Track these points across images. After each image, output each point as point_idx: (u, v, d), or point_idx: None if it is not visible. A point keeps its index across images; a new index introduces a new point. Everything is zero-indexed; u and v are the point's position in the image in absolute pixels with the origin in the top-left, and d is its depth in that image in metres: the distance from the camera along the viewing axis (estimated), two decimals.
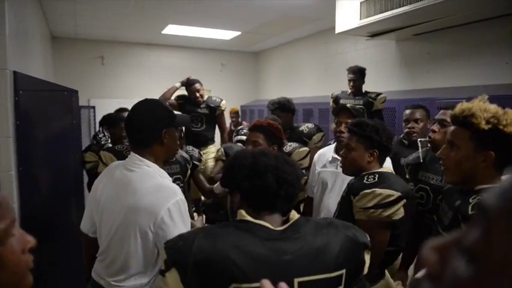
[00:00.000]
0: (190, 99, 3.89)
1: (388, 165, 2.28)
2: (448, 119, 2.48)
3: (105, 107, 6.42)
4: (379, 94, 3.57)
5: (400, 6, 3.29)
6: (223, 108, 3.95)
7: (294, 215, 1.08)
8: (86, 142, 6.24)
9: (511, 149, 1.24)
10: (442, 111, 2.61)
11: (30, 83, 2.47)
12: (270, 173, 1.06)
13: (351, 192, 1.65)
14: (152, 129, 1.46)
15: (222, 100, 3.97)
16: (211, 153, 3.79)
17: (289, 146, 2.65)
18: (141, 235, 1.35)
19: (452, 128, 1.36)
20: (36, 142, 2.50)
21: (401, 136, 2.76)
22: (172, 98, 3.95)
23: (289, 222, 1.06)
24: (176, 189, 1.40)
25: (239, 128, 3.61)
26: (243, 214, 1.06)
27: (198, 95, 3.82)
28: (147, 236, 1.35)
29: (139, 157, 1.45)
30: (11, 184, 2.23)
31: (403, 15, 3.32)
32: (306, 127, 3.14)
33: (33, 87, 2.49)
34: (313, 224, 1.08)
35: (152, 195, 1.35)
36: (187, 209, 1.40)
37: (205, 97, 3.94)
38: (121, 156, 2.04)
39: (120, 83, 6.84)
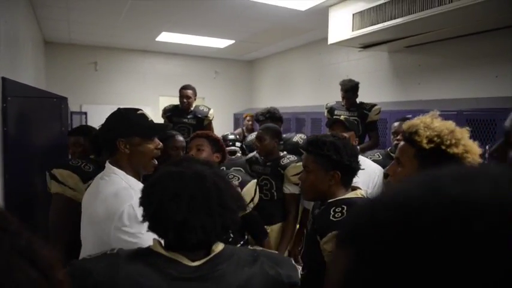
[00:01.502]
0: (177, 110, 3.87)
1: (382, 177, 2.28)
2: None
3: (98, 113, 6.39)
4: (373, 106, 3.57)
5: (392, 19, 3.32)
6: (211, 118, 3.89)
7: (217, 247, 0.96)
8: None
9: None
10: (398, 123, 2.64)
11: (18, 90, 2.44)
12: (200, 230, 0.90)
13: (316, 230, 1.45)
14: (106, 138, 1.47)
15: (210, 109, 3.91)
16: None
17: (286, 159, 2.61)
18: (98, 243, 1.31)
19: (401, 143, 1.31)
20: (24, 149, 2.46)
21: (388, 149, 2.76)
22: (160, 112, 3.94)
23: (210, 255, 0.93)
24: (135, 195, 1.32)
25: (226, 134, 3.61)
26: (156, 244, 0.94)
27: (185, 100, 3.80)
28: (104, 243, 1.30)
29: (109, 165, 1.45)
30: None
31: (395, 27, 3.35)
32: (299, 138, 3.12)
33: (22, 94, 2.47)
34: (235, 260, 0.95)
35: (108, 200, 1.31)
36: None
37: (193, 107, 3.90)
38: (78, 171, 1.95)
39: (113, 89, 6.82)
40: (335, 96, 3.96)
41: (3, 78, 2.30)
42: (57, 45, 6.32)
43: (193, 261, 0.91)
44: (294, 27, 5.07)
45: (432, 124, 1.21)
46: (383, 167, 2.41)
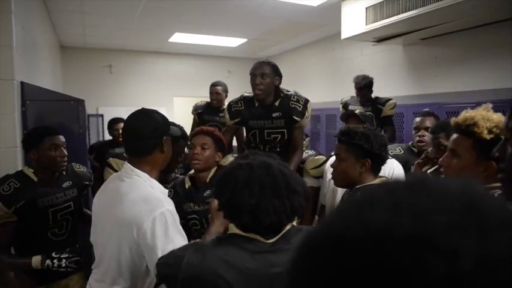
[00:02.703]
0: (209, 108, 3.78)
1: (398, 171, 2.25)
2: (428, 125, 2.45)
3: (114, 115, 6.42)
4: (388, 100, 3.53)
5: (406, 11, 3.27)
6: None
7: (286, 226, 1.06)
8: None
9: None
10: (420, 118, 2.57)
11: (37, 93, 2.49)
12: (272, 211, 0.99)
13: None
14: (153, 136, 1.45)
15: None
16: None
17: (305, 153, 2.63)
18: (128, 247, 1.32)
19: (454, 136, 1.34)
20: None
21: (410, 143, 2.70)
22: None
23: (280, 233, 1.03)
24: (164, 199, 1.35)
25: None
26: (233, 228, 1.04)
27: (214, 97, 3.71)
28: (134, 247, 1.32)
29: (131, 167, 1.43)
30: None
31: (410, 19, 3.29)
32: None
33: (40, 97, 2.52)
34: (304, 233, 1.03)
35: (138, 206, 1.31)
36: (176, 219, 1.35)
37: (225, 104, 3.82)
38: None
39: (128, 91, 6.90)
40: (349, 92, 3.93)
41: (22, 83, 2.35)
42: (73, 49, 6.43)
43: (267, 240, 1.02)
44: (306, 24, 5.04)
45: (490, 116, 1.27)
46: (404, 162, 2.39)
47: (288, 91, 2.55)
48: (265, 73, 2.43)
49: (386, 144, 1.66)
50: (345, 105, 3.74)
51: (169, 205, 1.34)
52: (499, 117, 1.26)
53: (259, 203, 0.98)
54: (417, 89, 4.38)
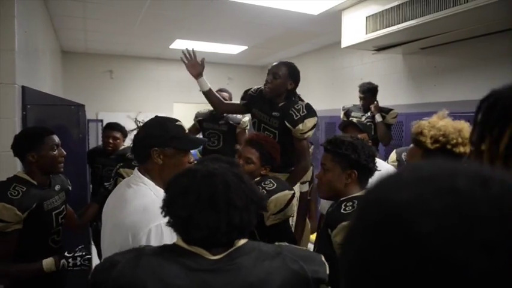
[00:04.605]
0: (210, 116, 3.70)
1: None
2: None
3: (113, 120, 6.44)
4: (390, 110, 3.58)
5: (406, 21, 3.29)
6: (244, 126, 3.64)
7: (239, 242, 0.96)
8: None
9: None
10: None
11: (37, 98, 2.50)
12: (205, 227, 0.92)
13: (327, 224, 1.45)
14: (142, 145, 1.42)
15: (244, 116, 3.64)
16: None
17: None
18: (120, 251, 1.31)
19: (410, 146, 1.29)
20: None
21: None
22: (192, 117, 3.84)
23: (230, 249, 0.94)
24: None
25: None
26: (179, 239, 0.97)
27: None
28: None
29: (139, 174, 1.41)
30: None
31: (409, 29, 3.32)
32: None
33: (41, 102, 2.52)
34: (256, 254, 0.95)
35: (137, 215, 1.28)
36: (172, 234, 1.33)
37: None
38: None
39: (129, 97, 6.91)
40: (349, 100, 3.95)
41: (23, 87, 2.35)
42: (74, 54, 6.45)
43: (214, 255, 0.93)
44: (306, 32, 5.07)
45: (438, 124, 1.19)
46: None
47: (302, 101, 2.53)
48: (279, 74, 2.44)
49: (375, 155, 1.58)
50: (347, 112, 3.76)
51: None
52: (448, 125, 1.18)
53: (192, 217, 0.91)
54: (416, 98, 4.40)
